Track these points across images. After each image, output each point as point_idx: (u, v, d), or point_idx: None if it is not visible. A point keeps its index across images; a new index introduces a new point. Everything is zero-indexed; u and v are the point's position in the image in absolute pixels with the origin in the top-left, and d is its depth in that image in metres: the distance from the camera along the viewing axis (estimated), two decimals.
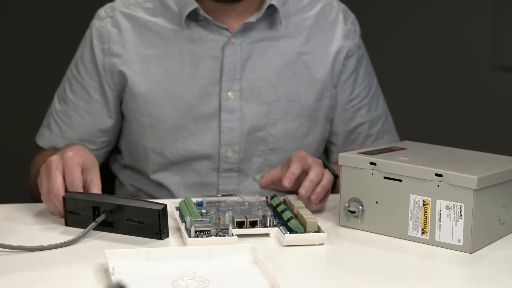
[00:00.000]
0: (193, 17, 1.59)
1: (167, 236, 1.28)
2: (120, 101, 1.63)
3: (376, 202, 1.32)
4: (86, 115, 1.63)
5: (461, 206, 1.24)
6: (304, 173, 1.44)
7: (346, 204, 1.35)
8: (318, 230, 1.28)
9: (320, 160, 1.49)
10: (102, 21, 1.62)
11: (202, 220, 1.28)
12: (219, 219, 1.30)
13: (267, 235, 1.30)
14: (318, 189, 1.41)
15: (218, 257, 1.18)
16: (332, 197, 1.48)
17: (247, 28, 1.60)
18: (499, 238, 1.32)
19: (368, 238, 1.32)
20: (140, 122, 1.61)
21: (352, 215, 1.35)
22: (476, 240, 1.25)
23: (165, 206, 1.28)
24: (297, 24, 1.64)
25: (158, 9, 1.61)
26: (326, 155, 1.75)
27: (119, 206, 1.28)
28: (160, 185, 1.64)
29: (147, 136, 1.61)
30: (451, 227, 1.25)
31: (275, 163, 1.61)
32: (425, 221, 1.28)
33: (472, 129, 3.07)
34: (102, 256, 1.15)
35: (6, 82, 3.07)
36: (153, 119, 1.60)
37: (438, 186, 1.26)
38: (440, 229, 1.26)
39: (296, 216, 1.32)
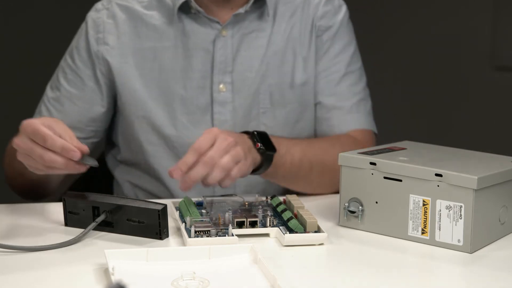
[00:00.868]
0: (185, 10, 1.62)
1: (167, 236, 1.28)
2: (113, 90, 1.64)
3: (376, 202, 1.32)
4: (79, 102, 1.64)
5: (461, 206, 1.24)
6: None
7: (346, 204, 1.35)
8: (318, 230, 1.28)
9: (240, 136, 1.41)
10: (98, 12, 1.65)
11: (202, 220, 1.28)
12: (219, 219, 1.30)
13: (267, 235, 1.30)
14: (192, 172, 1.31)
15: (218, 257, 1.18)
16: (332, 197, 1.48)
17: (237, 20, 1.62)
18: (499, 238, 1.32)
19: (368, 238, 1.32)
20: (135, 115, 1.63)
21: (352, 215, 1.35)
22: (476, 240, 1.25)
23: (165, 206, 1.28)
24: (285, 12, 1.65)
25: (153, 3, 1.64)
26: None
27: (119, 206, 1.29)
28: (157, 179, 1.64)
29: (143, 128, 1.63)
30: (451, 227, 1.25)
31: None
32: (425, 221, 1.28)
33: (472, 129, 3.07)
34: (102, 256, 1.15)
35: (6, 82, 3.07)
36: (148, 113, 1.62)
37: (438, 186, 1.26)
38: (440, 229, 1.26)
39: (296, 216, 1.32)
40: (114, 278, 1.08)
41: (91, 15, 1.65)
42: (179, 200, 1.39)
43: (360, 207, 1.34)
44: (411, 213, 1.29)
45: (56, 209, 1.40)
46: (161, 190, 1.64)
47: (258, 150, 1.43)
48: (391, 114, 3.18)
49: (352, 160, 1.34)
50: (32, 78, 2.85)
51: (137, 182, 1.68)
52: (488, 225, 1.28)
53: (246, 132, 1.47)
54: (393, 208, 1.31)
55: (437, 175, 1.26)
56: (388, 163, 1.31)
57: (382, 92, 3.19)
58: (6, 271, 1.15)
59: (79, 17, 1.69)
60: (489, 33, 3.07)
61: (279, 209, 1.35)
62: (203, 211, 1.33)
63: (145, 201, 1.30)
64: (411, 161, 1.30)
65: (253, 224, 1.30)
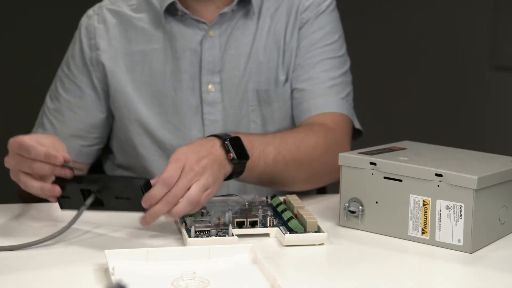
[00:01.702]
0: (172, 12, 1.62)
1: None
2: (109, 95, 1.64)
3: (376, 202, 1.32)
4: (79, 110, 1.64)
5: (461, 206, 1.24)
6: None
7: (346, 204, 1.35)
8: (318, 230, 1.28)
9: (211, 150, 1.33)
10: (90, 18, 1.66)
11: (202, 220, 1.28)
12: (219, 219, 1.30)
13: (267, 235, 1.30)
14: (155, 208, 1.25)
15: (218, 257, 1.18)
16: (332, 197, 1.48)
17: (223, 19, 1.62)
18: (499, 238, 1.32)
19: (368, 238, 1.32)
20: (127, 118, 1.63)
21: (352, 215, 1.35)
22: (476, 240, 1.25)
23: (147, 180, 1.25)
24: (269, 7, 1.65)
25: (142, 5, 1.65)
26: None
27: (105, 186, 1.27)
28: None
29: (136, 132, 1.63)
30: (451, 227, 1.25)
31: None
32: (425, 221, 1.28)
33: (472, 129, 3.07)
34: (102, 256, 1.15)
35: (6, 82, 3.07)
36: (139, 115, 1.62)
37: (438, 186, 1.26)
38: (440, 229, 1.26)
39: (296, 216, 1.32)
40: (114, 278, 1.08)
41: (84, 21, 1.67)
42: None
43: (360, 207, 1.34)
44: (411, 213, 1.29)
45: (56, 209, 1.40)
46: None
47: (231, 160, 1.36)
48: (391, 114, 3.18)
49: (352, 160, 1.34)
50: (32, 78, 2.85)
51: None
52: (488, 225, 1.28)
53: (219, 136, 1.38)
54: (393, 208, 1.31)
55: (437, 175, 1.26)
56: (388, 163, 1.31)
57: (382, 92, 3.19)
58: (6, 271, 1.15)
59: (79, 17, 1.70)
60: (488, 33, 3.07)
61: (279, 209, 1.35)
62: (203, 211, 1.33)
63: (128, 177, 1.27)
64: (411, 161, 1.30)
65: (253, 224, 1.30)
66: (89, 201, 1.28)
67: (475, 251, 1.26)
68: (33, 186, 1.29)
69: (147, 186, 1.26)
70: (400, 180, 1.29)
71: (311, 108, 1.62)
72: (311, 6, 1.66)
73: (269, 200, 1.41)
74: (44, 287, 1.11)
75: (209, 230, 1.25)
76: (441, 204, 1.26)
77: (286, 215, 1.31)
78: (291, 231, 1.28)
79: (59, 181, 1.31)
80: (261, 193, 1.47)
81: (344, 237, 1.32)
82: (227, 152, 1.35)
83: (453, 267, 1.21)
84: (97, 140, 1.67)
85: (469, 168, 1.27)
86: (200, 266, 1.15)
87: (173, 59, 1.62)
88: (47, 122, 1.66)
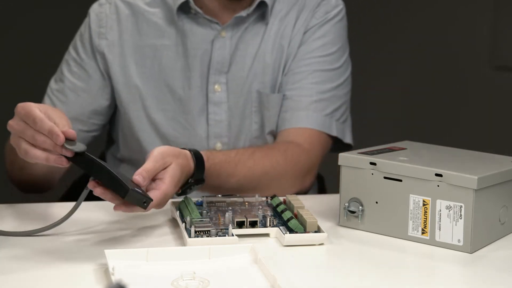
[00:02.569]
0: (185, 10, 1.62)
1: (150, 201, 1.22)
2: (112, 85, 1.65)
3: (376, 202, 1.32)
4: (83, 94, 1.64)
5: (461, 206, 1.24)
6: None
7: (346, 204, 1.35)
8: (318, 230, 1.28)
9: (180, 178, 1.32)
10: (101, 6, 1.66)
11: (202, 220, 1.28)
12: (219, 219, 1.30)
13: (267, 235, 1.30)
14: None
15: (218, 257, 1.18)
16: (332, 197, 1.48)
17: (237, 22, 1.62)
18: (499, 238, 1.32)
19: (368, 238, 1.32)
20: (134, 112, 1.63)
21: (352, 215, 1.35)
22: (476, 240, 1.25)
23: (131, 190, 1.19)
24: (280, 11, 1.65)
25: (156, 1, 1.65)
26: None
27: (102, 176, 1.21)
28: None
29: (142, 126, 1.63)
30: (451, 227, 1.25)
31: None
32: (425, 221, 1.28)
33: (472, 129, 3.07)
34: (102, 256, 1.15)
35: (6, 82, 3.07)
36: (147, 111, 1.62)
37: (438, 186, 1.26)
38: (440, 229, 1.26)
39: (296, 216, 1.32)
40: (114, 278, 1.08)
41: (94, 9, 1.66)
42: (179, 200, 1.39)
43: (360, 207, 1.34)
44: (411, 213, 1.29)
45: (56, 209, 1.40)
46: None
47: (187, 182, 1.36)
48: (391, 114, 3.18)
49: (352, 160, 1.34)
50: (32, 78, 2.85)
51: None
52: (488, 225, 1.28)
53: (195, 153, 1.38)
54: (393, 208, 1.30)
55: (437, 175, 1.26)
56: (388, 163, 1.31)
57: (382, 92, 3.19)
58: (6, 271, 1.15)
59: (79, 17, 1.70)
60: (489, 33, 3.07)
61: (279, 209, 1.35)
62: (203, 211, 1.33)
63: (118, 181, 1.20)
64: (411, 161, 1.30)
65: (253, 224, 1.30)
66: (84, 193, 1.25)
67: (475, 251, 1.25)
68: (35, 154, 1.22)
69: (132, 196, 1.20)
70: (400, 180, 1.29)
71: (292, 119, 1.61)
72: (319, 12, 1.66)
73: (269, 200, 1.41)
74: (44, 287, 1.11)
75: (209, 230, 1.25)
76: (441, 204, 1.26)
77: (286, 215, 1.31)
78: (291, 231, 1.28)
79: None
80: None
81: (344, 237, 1.32)
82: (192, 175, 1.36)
83: (453, 267, 1.21)
84: (95, 127, 1.66)
85: (469, 168, 1.27)
86: (200, 266, 1.15)
87: (184, 56, 1.62)
88: (48, 102, 1.65)
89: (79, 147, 1.23)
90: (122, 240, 1.28)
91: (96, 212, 1.38)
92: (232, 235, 1.25)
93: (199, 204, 1.38)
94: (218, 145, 1.64)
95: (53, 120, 1.23)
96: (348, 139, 1.66)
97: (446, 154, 1.39)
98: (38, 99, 1.68)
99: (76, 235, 1.28)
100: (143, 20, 1.64)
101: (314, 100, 1.62)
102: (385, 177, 1.31)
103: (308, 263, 1.22)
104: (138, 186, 1.23)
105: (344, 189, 1.36)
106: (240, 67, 1.63)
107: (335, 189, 1.41)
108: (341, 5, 1.69)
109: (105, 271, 1.14)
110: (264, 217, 1.31)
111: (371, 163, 1.32)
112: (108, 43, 1.63)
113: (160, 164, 1.27)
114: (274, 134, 1.65)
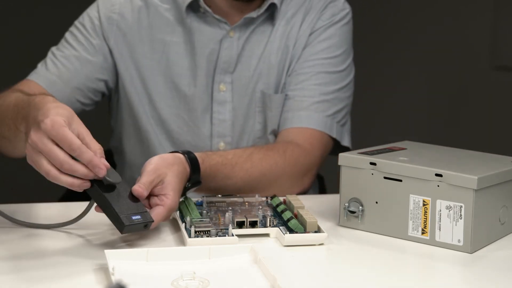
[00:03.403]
0: (194, 8, 1.63)
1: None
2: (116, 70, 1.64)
3: (376, 202, 1.32)
4: (89, 65, 1.63)
5: (461, 206, 1.24)
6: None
7: (346, 204, 1.35)
8: (318, 230, 1.28)
9: (180, 185, 1.32)
10: None
11: (202, 220, 1.28)
12: (219, 219, 1.30)
13: (267, 235, 1.30)
14: None
15: (218, 257, 1.18)
16: (332, 197, 1.48)
17: (246, 22, 1.62)
18: (499, 238, 1.32)
19: (368, 238, 1.32)
20: (140, 104, 1.64)
21: (352, 215, 1.35)
22: (476, 240, 1.25)
23: (126, 226, 1.20)
24: (287, 12, 1.65)
25: None
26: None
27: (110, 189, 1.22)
28: None
29: (148, 120, 1.63)
30: (451, 227, 1.25)
31: None
32: (425, 221, 1.28)
33: (472, 129, 3.07)
34: (102, 256, 1.15)
35: (7, 82, 3.07)
36: (153, 105, 1.63)
37: (438, 186, 1.26)
38: (440, 229, 1.26)
39: (296, 216, 1.32)
40: (114, 278, 1.08)
41: None
42: (179, 200, 1.39)
43: (360, 207, 1.34)
44: (411, 213, 1.29)
45: (56, 210, 1.40)
46: None
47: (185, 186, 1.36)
48: (391, 114, 3.18)
49: (352, 160, 1.34)
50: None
51: None
52: (488, 225, 1.28)
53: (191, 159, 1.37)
54: (393, 208, 1.31)
55: (437, 175, 1.26)
56: (388, 163, 1.31)
57: (382, 92, 3.19)
58: (6, 271, 1.15)
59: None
60: (489, 33, 3.07)
61: (279, 209, 1.35)
62: (203, 211, 1.33)
63: (118, 218, 1.20)
64: (411, 161, 1.30)
65: (253, 224, 1.30)
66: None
67: (475, 251, 1.26)
68: (60, 180, 1.16)
69: (129, 229, 1.21)
70: (400, 180, 1.29)
71: (293, 119, 1.61)
72: (325, 14, 1.66)
73: (269, 200, 1.41)
74: (44, 286, 1.11)
75: (209, 230, 1.25)
76: (441, 204, 1.26)
77: (286, 215, 1.31)
78: (291, 231, 1.28)
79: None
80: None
81: (344, 237, 1.32)
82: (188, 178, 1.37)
83: (453, 267, 1.21)
84: (90, 101, 1.65)
85: (469, 168, 1.27)
86: (200, 266, 1.15)
87: (191, 54, 1.63)
88: (51, 64, 1.64)
89: (116, 178, 1.21)
90: (122, 240, 1.28)
91: (96, 212, 1.38)
92: (232, 235, 1.25)
93: (199, 204, 1.38)
94: (221, 145, 1.64)
95: (85, 142, 1.16)
96: (346, 142, 1.66)
97: (446, 154, 1.39)
98: None
99: (76, 235, 1.28)
100: (155, 14, 1.64)
101: (316, 101, 1.62)
102: (385, 177, 1.31)
103: (308, 263, 1.22)
104: (138, 199, 1.24)
105: (344, 189, 1.36)
106: (246, 68, 1.64)
107: (335, 189, 1.41)
108: (348, 9, 1.69)
109: (105, 271, 1.14)
110: (264, 217, 1.31)
111: (371, 163, 1.32)
112: (118, 32, 1.63)
113: (154, 177, 1.27)
114: (276, 134, 1.66)
